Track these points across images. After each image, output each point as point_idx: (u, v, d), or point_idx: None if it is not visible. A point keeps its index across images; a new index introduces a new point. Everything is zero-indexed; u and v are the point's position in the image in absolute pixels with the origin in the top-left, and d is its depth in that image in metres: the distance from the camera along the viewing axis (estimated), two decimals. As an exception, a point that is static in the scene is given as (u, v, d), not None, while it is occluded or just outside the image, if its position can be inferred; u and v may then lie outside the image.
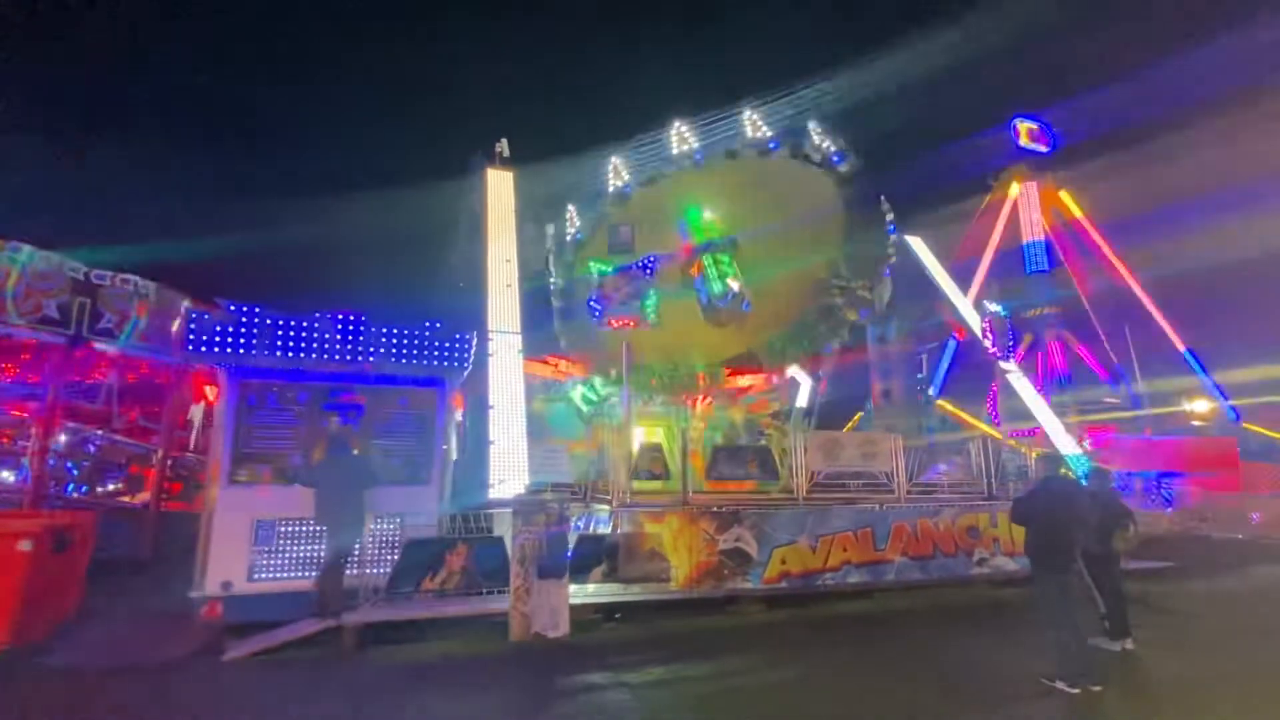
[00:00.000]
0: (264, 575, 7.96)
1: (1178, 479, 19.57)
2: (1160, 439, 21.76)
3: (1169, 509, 18.52)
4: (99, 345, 11.27)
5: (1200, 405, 25.91)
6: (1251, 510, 17.02)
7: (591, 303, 11.86)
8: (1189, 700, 5.59)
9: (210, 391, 14.18)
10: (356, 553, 8.01)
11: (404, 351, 9.01)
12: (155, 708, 5.49)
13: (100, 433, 12.59)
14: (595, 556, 8.62)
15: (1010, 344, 16.86)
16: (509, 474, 9.89)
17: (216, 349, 8.19)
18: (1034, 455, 12.76)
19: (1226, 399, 25.94)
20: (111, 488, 12.70)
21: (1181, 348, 27.34)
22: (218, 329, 8.21)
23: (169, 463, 13.01)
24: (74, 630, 7.43)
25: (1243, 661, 6.69)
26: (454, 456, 9.68)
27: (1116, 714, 5.33)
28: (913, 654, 7.00)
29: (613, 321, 11.68)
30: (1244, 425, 24.37)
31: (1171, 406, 25.65)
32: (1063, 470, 7.37)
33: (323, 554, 7.80)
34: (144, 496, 12.51)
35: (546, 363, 18.54)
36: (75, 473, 12.24)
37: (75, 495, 11.80)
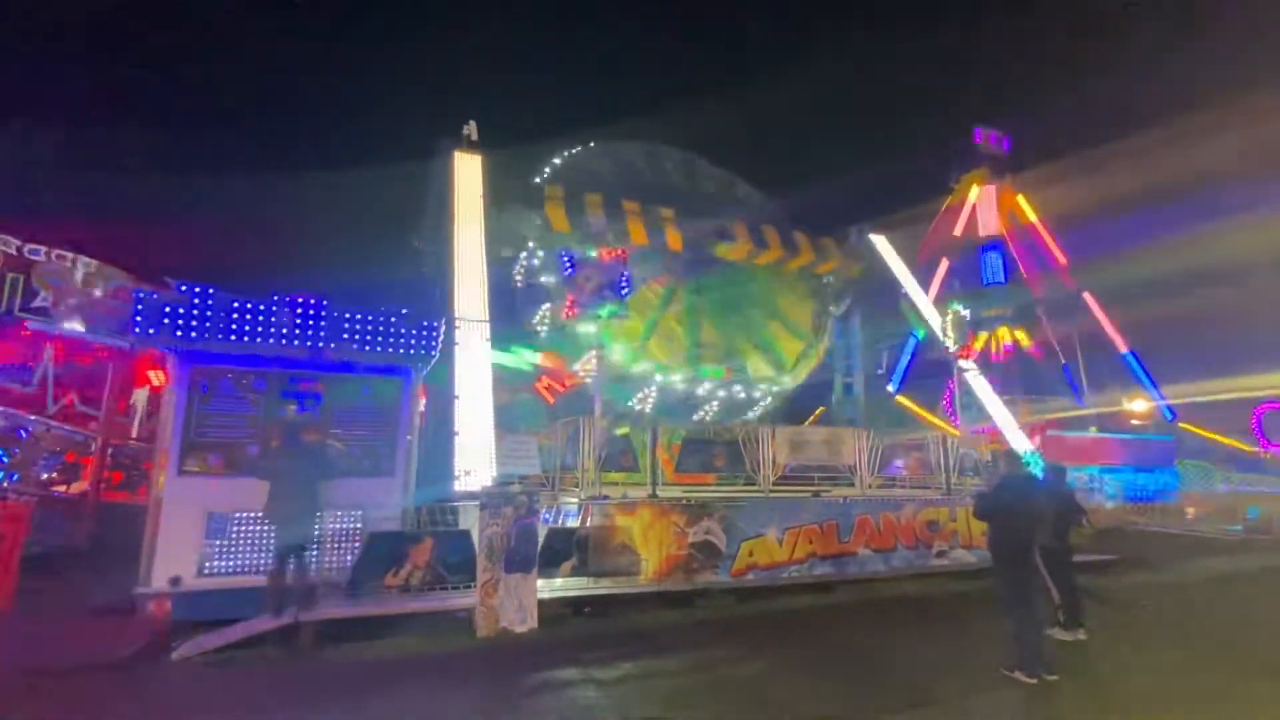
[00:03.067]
0: (216, 570, 7.66)
1: (1118, 475, 20.54)
2: (1102, 436, 22.78)
3: (1108, 503, 19.41)
4: (32, 324, 10.57)
5: (1139, 405, 27.14)
6: (1186, 506, 17.98)
7: (564, 263, 11.71)
8: (1138, 687, 5.84)
9: (155, 376, 13.49)
10: (314, 547, 7.73)
11: (367, 338, 8.72)
12: (96, 713, 5.17)
13: (34, 418, 11.84)
14: (564, 550, 8.53)
15: (968, 342, 17.38)
16: (475, 465, 9.70)
17: (166, 332, 7.76)
18: (987, 450, 13.19)
19: (1163, 399, 27.26)
20: (46, 477, 11.96)
21: (1124, 349, 28.62)
22: (167, 310, 7.79)
23: (109, 451, 12.33)
24: (4, 628, 6.96)
25: (1185, 649, 7.04)
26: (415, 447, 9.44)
27: (1072, 702, 5.52)
28: (877, 646, 7.13)
29: (566, 310, 11.58)
30: (1180, 425, 25.74)
31: (1113, 406, 26.83)
32: (1022, 467, 7.58)
33: (280, 546, 7.50)
34: (81, 486, 11.83)
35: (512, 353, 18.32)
36: (6, 461, 11.48)
37: (6, 484, 11.07)
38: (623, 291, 11.45)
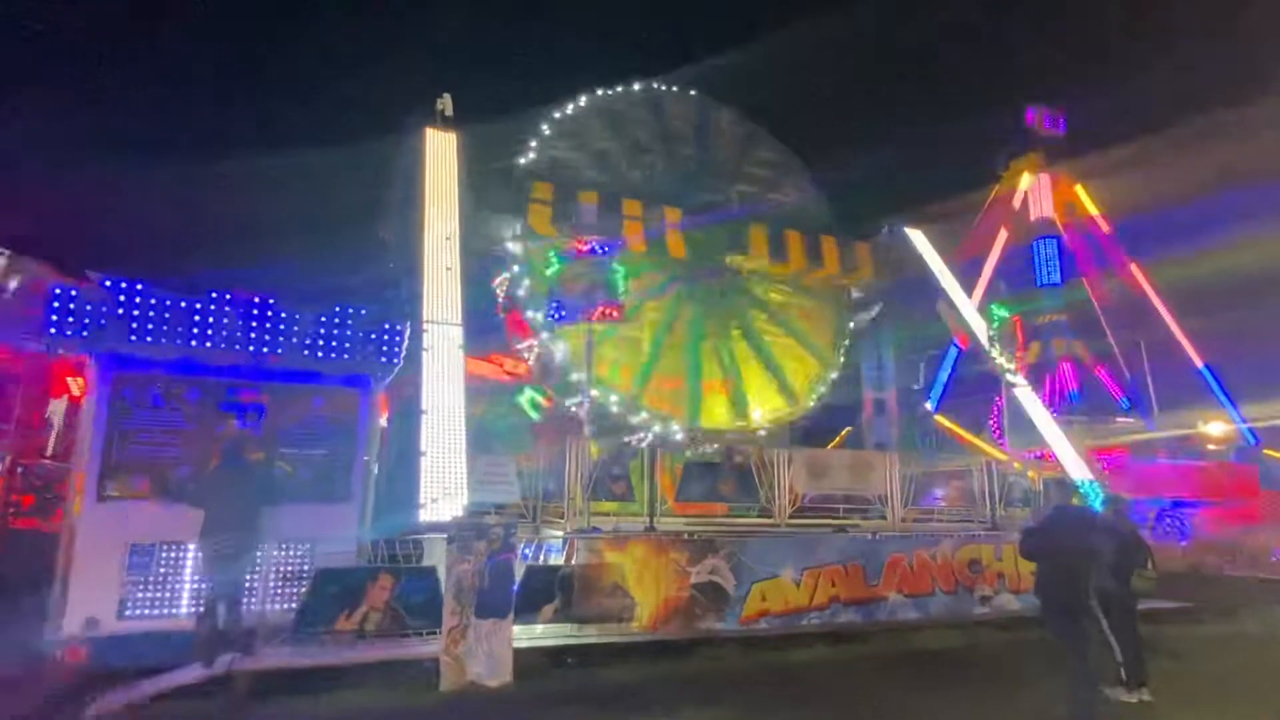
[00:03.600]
0: (140, 611, 7.65)
1: (1192, 509, 20.46)
2: (1175, 464, 22.71)
3: (1182, 542, 19.33)
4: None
5: (1217, 428, 27.05)
6: (1275, 545, 17.86)
7: (552, 308, 11.79)
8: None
9: (75, 384, 13.49)
10: (254, 584, 7.71)
11: (320, 343, 8.75)
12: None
13: (-68, 432, 11.85)
14: (545, 591, 8.50)
15: (1018, 354, 17.42)
16: (444, 492, 9.69)
17: (86, 333, 7.81)
18: (1038, 478, 13.18)
19: (1245, 421, 27.22)
20: (-56, 500, 11.95)
21: (1199, 363, 28.61)
22: (89, 309, 7.83)
23: (19, 470, 12.31)
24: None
25: (1269, 714, 6.97)
26: (375, 469, 9.45)
27: (1135, 775, 5.48)
28: (910, 708, 7.08)
29: (592, 316, 11.56)
30: (1264, 451, 25.68)
31: (1187, 428, 26.79)
32: (1076, 498, 7.57)
33: (212, 585, 7.48)
34: (-14, 512, 11.81)
35: (489, 361, 18.29)
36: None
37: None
38: (609, 251, 11.52)
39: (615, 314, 11.71)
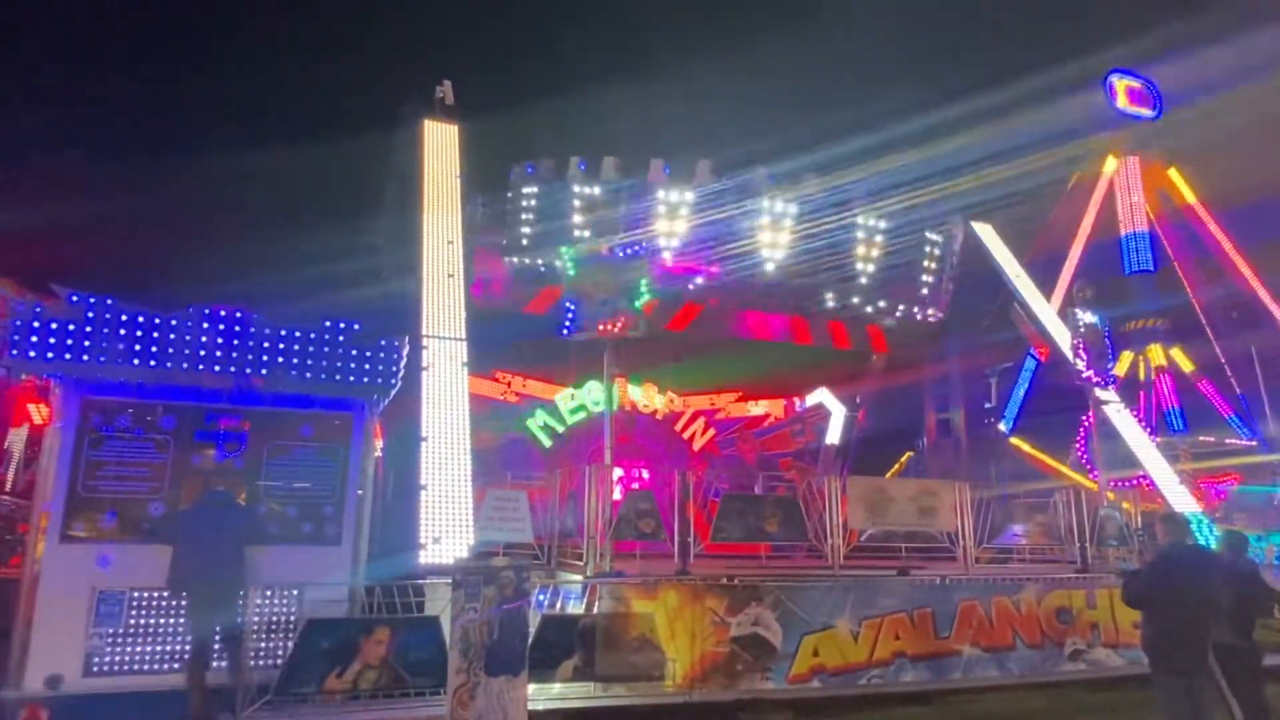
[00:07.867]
0: (108, 667, 7.70)
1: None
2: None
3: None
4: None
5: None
6: None
7: (567, 309, 11.81)
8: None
9: (38, 411, 13.81)
10: (234, 637, 7.77)
11: (308, 362, 8.84)
12: None
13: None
14: (564, 645, 8.47)
15: (1108, 366, 17.13)
16: (447, 530, 9.72)
17: (50, 354, 7.94)
18: (1134, 510, 12.93)
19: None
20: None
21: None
22: (54, 327, 7.98)
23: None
24: None
25: None
26: (370, 505, 9.52)
27: None
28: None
29: (599, 327, 11.59)
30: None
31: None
32: (1190, 538, 7.42)
33: (187, 638, 7.58)
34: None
35: (495, 380, 18.42)
36: None
37: None
38: (635, 259, 11.58)
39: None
